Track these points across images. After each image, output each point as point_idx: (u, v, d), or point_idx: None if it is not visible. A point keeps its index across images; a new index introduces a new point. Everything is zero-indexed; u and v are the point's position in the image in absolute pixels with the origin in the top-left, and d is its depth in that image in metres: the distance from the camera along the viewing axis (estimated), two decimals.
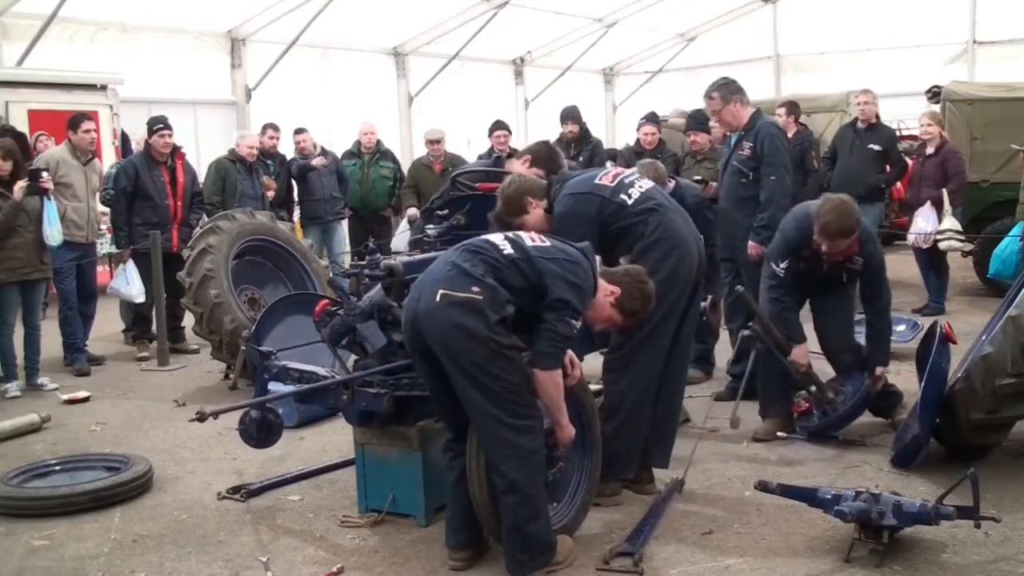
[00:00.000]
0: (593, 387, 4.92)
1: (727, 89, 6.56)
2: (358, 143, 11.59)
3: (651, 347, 4.92)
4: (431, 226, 5.88)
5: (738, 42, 21.19)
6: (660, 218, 4.96)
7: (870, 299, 6.00)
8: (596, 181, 5.09)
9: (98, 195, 8.98)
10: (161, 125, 8.99)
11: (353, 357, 5.27)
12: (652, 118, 10.38)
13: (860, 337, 8.09)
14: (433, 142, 11.05)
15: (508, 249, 4.16)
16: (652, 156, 9.80)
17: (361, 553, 4.58)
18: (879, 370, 5.96)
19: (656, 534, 4.60)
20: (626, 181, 5.09)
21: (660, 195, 5.19)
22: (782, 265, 5.91)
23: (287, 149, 11.46)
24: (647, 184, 5.17)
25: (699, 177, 8.52)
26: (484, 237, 4.33)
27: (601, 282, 4.32)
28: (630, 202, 4.98)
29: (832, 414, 5.91)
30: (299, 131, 11.12)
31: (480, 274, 4.05)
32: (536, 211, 5.01)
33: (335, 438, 6.28)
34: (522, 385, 4.07)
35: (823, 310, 6.18)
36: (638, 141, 10.36)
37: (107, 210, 9.45)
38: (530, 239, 4.27)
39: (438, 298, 4.02)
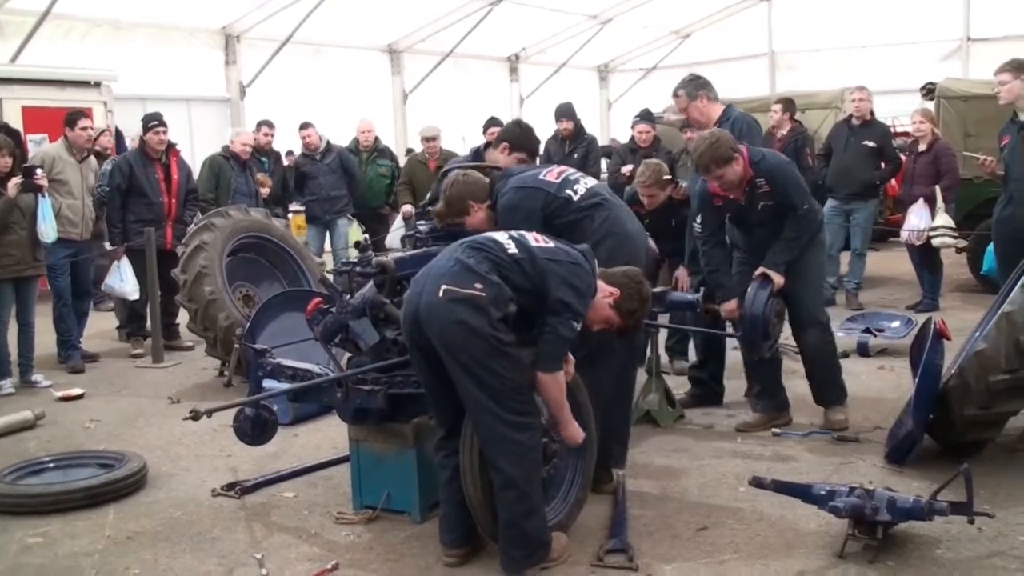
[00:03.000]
0: None
1: (692, 85, 6.52)
2: (356, 141, 11.58)
3: (605, 347, 4.91)
4: (423, 222, 5.87)
5: (733, 39, 21.23)
6: (606, 213, 4.99)
7: (787, 211, 5.83)
8: (541, 177, 5.09)
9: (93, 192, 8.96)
10: (156, 122, 8.99)
11: (347, 354, 5.27)
12: (646, 116, 10.41)
13: (851, 333, 8.19)
14: (428, 139, 11.05)
15: (512, 248, 4.17)
16: (647, 154, 9.83)
17: (356, 550, 4.58)
18: (761, 269, 5.84)
19: (650, 530, 4.61)
20: (571, 178, 5.11)
21: (606, 191, 5.24)
22: (697, 221, 6.12)
23: (281, 146, 11.45)
24: (591, 181, 5.22)
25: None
26: (488, 235, 4.33)
27: (600, 283, 4.33)
28: (576, 197, 4.99)
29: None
30: (304, 126, 11.09)
31: (484, 271, 4.05)
32: (478, 214, 5.01)
33: (329, 435, 6.28)
34: (521, 382, 4.08)
35: (790, 276, 5.94)
36: (632, 139, 10.38)
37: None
38: (534, 239, 4.27)
39: (440, 293, 4.02)
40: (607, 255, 4.74)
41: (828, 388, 6.15)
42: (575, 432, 4.31)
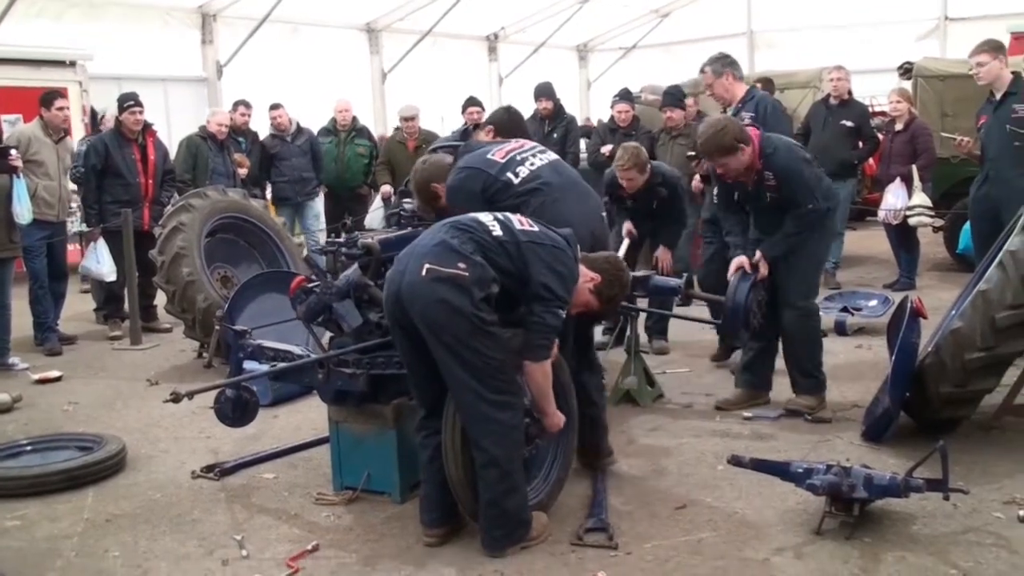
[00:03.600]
0: None
1: (720, 63, 6.65)
2: (334, 120, 11.52)
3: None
4: (408, 200, 5.86)
5: (712, 18, 21.21)
6: (543, 199, 4.72)
7: (791, 207, 5.81)
8: (488, 156, 4.89)
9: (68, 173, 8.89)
10: (132, 102, 8.90)
11: (328, 335, 5.26)
12: (625, 95, 10.40)
13: (829, 312, 8.24)
14: (407, 119, 11.00)
15: (497, 230, 4.17)
16: (626, 134, 9.84)
17: (336, 530, 4.59)
18: (758, 254, 5.84)
19: (629, 509, 4.64)
20: (518, 158, 4.87)
21: (553, 174, 4.89)
22: (714, 192, 6.31)
23: (259, 126, 11.38)
24: (542, 161, 4.93)
25: (692, 153, 8.51)
26: (473, 215, 4.32)
27: (582, 268, 4.34)
28: (516, 181, 4.77)
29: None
30: (275, 107, 11.02)
31: (468, 252, 4.05)
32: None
33: (310, 416, 6.27)
34: (504, 361, 4.09)
35: (780, 257, 5.95)
36: (612, 119, 10.37)
37: (74, 187, 9.36)
38: (519, 222, 4.27)
39: (424, 272, 4.02)
40: None
41: (800, 374, 6.05)
42: (557, 420, 4.34)
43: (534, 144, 5.16)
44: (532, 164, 4.88)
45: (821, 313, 7.95)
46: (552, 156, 5.08)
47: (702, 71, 6.81)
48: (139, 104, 8.93)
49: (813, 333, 6.07)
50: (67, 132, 8.87)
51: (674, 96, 9.65)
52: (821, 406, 5.96)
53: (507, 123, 5.56)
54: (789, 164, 5.76)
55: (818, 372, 6.07)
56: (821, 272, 6.30)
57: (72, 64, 12.39)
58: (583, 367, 4.99)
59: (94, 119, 12.24)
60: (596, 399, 5.07)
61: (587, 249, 4.57)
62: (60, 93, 8.76)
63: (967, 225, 8.43)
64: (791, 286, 5.92)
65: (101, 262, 8.82)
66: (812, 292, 6.04)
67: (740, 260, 5.92)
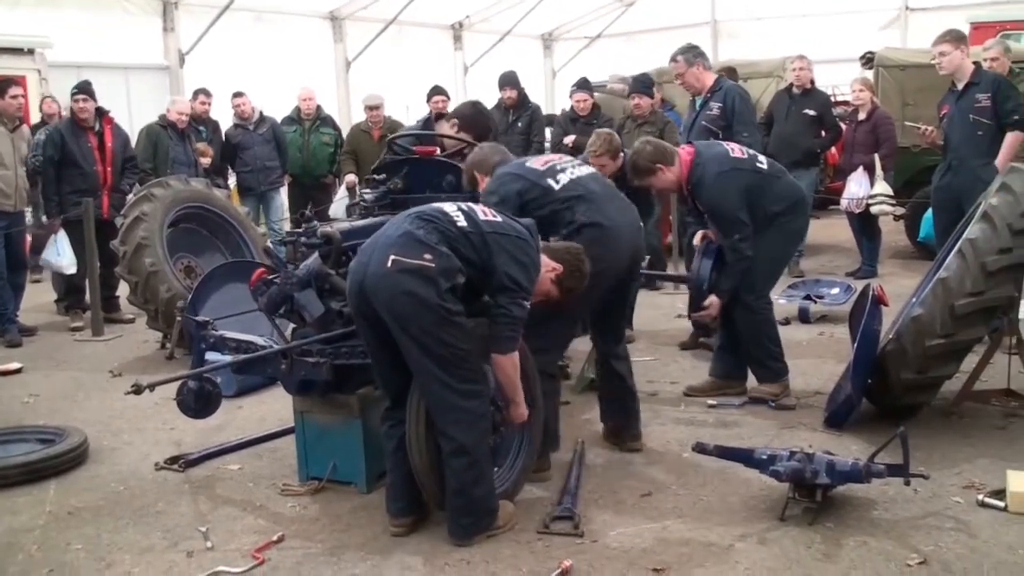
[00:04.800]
0: None
1: (691, 53, 6.87)
2: (298, 109, 11.44)
3: (565, 327, 5.02)
4: (368, 190, 5.83)
5: (676, 8, 21.18)
6: (589, 205, 4.88)
7: (720, 237, 5.92)
8: (527, 164, 5.11)
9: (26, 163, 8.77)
10: (76, 90, 8.80)
11: (291, 326, 5.23)
12: (583, 84, 10.39)
13: (792, 300, 8.31)
14: (372, 108, 10.95)
15: (461, 221, 4.16)
16: (587, 123, 9.86)
17: (302, 521, 4.58)
18: (711, 298, 5.90)
19: (595, 497, 4.66)
20: (558, 167, 5.04)
21: (595, 183, 5.08)
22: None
23: (221, 115, 11.27)
24: (583, 171, 5.13)
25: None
26: (436, 206, 4.31)
27: (543, 258, 4.35)
28: (557, 187, 4.91)
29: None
30: (237, 95, 10.94)
31: (434, 242, 4.05)
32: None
33: (274, 407, 6.24)
34: (470, 351, 4.09)
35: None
36: (572, 108, 10.37)
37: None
38: (482, 213, 4.28)
39: (389, 263, 4.00)
40: (586, 244, 4.69)
41: (756, 365, 6.09)
42: (523, 412, 4.36)
43: (572, 157, 5.46)
44: (572, 173, 5.04)
45: (783, 301, 8.12)
46: (590, 168, 5.36)
47: (674, 60, 6.91)
48: (83, 92, 8.80)
49: (763, 327, 5.98)
50: (22, 121, 8.75)
51: (643, 83, 9.73)
52: (785, 393, 5.99)
53: (470, 118, 5.67)
54: (711, 197, 5.78)
55: (772, 362, 6.02)
56: (777, 270, 6.16)
57: (31, 52, 12.18)
58: (611, 355, 5.28)
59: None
60: (629, 384, 5.33)
61: (629, 264, 4.94)
62: (14, 81, 8.66)
63: (928, 213, 8.53)
64: (742, 282, 5.88)
65: (61, 254, 8.72)
66: (763, 288, 5.98)
67: (701, 232, 6.15)
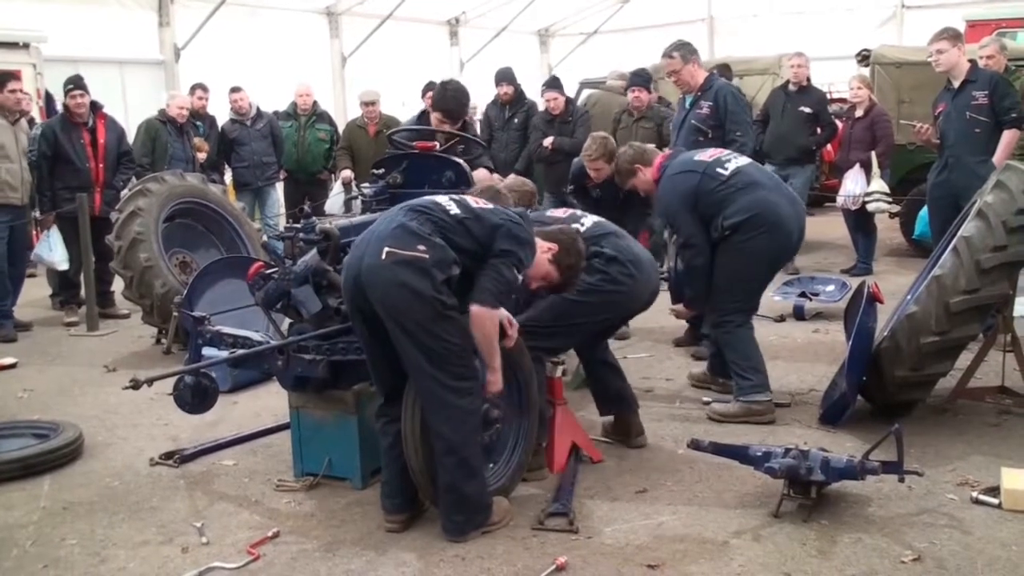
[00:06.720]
0: None
1: (686, 49, 6.87)
2: (294, 105, 11.44)
3: (578, 319, 4.98)
4: (367, 185, 5.84)
5: (673, 4, 21.23)
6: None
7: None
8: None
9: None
10: (72, 86, 8.77)
11: (288, 321, 5.23)
12: (553, 84, 10.29)
13: (787, 297, 8.32)
14: (368, 104, 10.94)
15: (455, 209, 4.16)
16: (563, 121, 9.83)
17: (297, 517, 4.57)
18: (679, 305, 6.21)
19: (590, 493, 4.67)
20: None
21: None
22: None
23: (217, 110, 11.26)
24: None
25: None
26: (430, 197, 4.31)
27: (538, 240, 4.35)
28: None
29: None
30: (235, 90, 10.92)
31: (427, 233, 4.03)
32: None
33: (270, 402, 6.24)
34: (463, 347, 4.07)
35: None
36: (546, 109, 10.23)
37: None
38: (474, 201, 4.28)
39: (383, 256, 3.99)
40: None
41: (733, 377, 5.75)
42: (498, 379, 4.23)
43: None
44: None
45: (778, 298, 8.12)
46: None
47: (669, 56, 6.86)
48: (79, 87, 8.77)
49: (730, 341, 5.71)
50: (23, 114, 8.72)
51: (642, 77, 9.76)
52: (750, 414, 5.58)
53: (442, 98, 6.07)
54: (659, 196, 5.90)
55: (747, 375, 5.64)
56: (737, 288, 5.65)
57: (26, 46, 12.15)
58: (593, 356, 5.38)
59: (49, 102, 12.03)
60: (612, 362, 5.40)
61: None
62: (13, 75, 8.61)
63: (923, 211, 8.55)
64: (711, 298, 5.78)
65: (53, 250, 8.69)
66: (724, 305, 5.70)
67: None
